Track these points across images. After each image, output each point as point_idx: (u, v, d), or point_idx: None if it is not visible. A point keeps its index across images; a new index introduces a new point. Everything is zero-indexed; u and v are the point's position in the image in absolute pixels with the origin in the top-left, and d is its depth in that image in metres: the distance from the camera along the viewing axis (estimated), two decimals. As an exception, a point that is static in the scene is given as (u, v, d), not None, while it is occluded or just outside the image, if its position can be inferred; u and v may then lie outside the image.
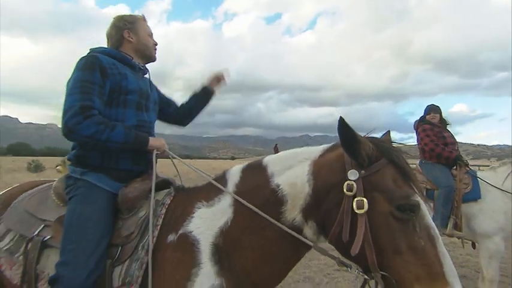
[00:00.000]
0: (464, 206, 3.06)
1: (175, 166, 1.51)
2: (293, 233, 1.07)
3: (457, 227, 3.07)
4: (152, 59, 1.59)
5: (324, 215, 1.05)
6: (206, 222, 1.14)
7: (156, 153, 1.34)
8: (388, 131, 1.24)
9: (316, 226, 1.08)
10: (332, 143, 1.17)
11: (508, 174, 3.00)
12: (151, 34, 1.58)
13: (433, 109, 3.67)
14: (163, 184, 1.35)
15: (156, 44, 1.59)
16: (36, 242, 1.23)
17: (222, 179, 1.25)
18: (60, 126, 1.26)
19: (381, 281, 0.95)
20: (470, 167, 3.33)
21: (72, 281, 1.07)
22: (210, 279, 1.06)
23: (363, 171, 0.99)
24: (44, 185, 1.49)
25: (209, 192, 1.21)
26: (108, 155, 1.31)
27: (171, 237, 1.14)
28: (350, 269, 1.06)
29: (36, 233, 1.26)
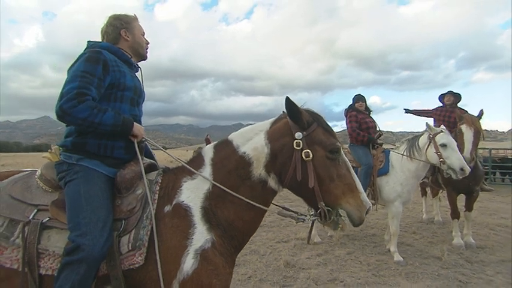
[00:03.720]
0: (378, 179, 3.88)
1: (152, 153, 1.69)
2: (253, 202, 1.38)
3: (374, 196, 3.85)
4: (144, 57, 1.73)
5: (280, 166, 1.40)
6: (194, 192, 1.40)
7: (136, 141, 1.48)
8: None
9: (276, 176, 1.43)
10: (274, 118, 1.53)
11: (405, 150, 3.83)
12: (144, 33, 1.70)
13: (359, 98, 4.46)
14: (151, 167, 1.58)
15: (147, 43, 1.71)
16: (35, 225, 1.31)
17: (199, 156, 1.53)
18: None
19: (325, 208, 1.33)
20: (385, 148, 4.17)
21: (92, 248, 1.21)
22: (204, 235, 1.31)
23: (304, 132, 1.38)
24: (21, 174, 1.55)
25: (189, 168, 1.46)
26: (104, 144, 1.45)
27: (167, 208, 1.37)
28: (298, 216, 1.47)
29: (31, 216, 1.34)
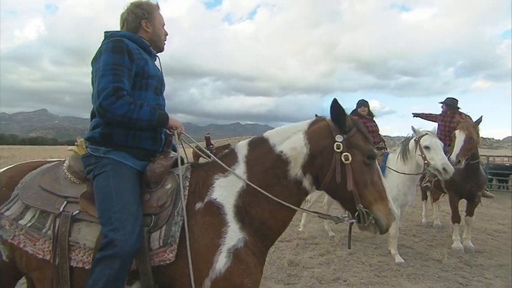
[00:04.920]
0: None
1: (183, 147, 1.63)
2: (282, 202, 1.35)
3: None
4: (161, 49, 1.67)
5: (318, 168, 1.40)
6: (226, 190, 1.38)
7: (177, 132, 1.48)
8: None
9: (312, 177, 1.42)
10: (311, 120, 1.50)
11: (398, 155, 3.93)
12: (164, 24, 1.65)
13: (362, 103, 4.59)
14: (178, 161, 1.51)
15: (166, 35, 1.67)
16: (66, 217, 1.32)
17: (231, 153, 1.50)
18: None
19: (364, 210, 1.33)
20: (385, 151, 4.29)
21: (125, 243, 1.20)
22: (237, 234, 1.30)
23: (344, 135, 1.39)
24: (49, 165, 1.54)
25: (222, 165, 1.44)
26: (132, 134, 1.42)
27: (199, 205, 1.35)
28: (338, 218, 1.43)
29: (61, 208, 1.34)
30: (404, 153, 3.84)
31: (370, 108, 4.61)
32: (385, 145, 4.48)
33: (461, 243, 4.26)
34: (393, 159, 3.97)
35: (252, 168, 1.43)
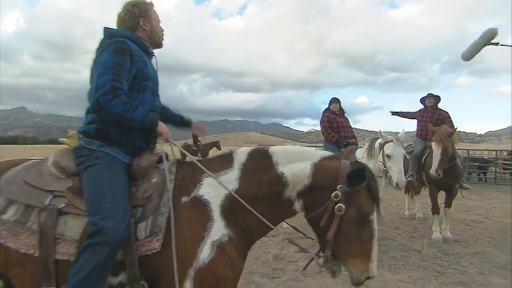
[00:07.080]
0: None
1: (172, 151, 1.63)
2: (264, 220, 1.38)
3: None
4: (160, 46, 1.69)
5: (311, 199, 1.40)
6: (214, 189, 1.40)
7: (161, 139, 1.51)
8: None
9: (303, 204, 1.43)
10: (326, 153, 1.49)
11: (365, 150, 4.10)
12: (160, 21, 1.67)
13: (334, 100, 4.87)
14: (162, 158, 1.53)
15: (163, 31, 1.68)
16: (52, 210, 1.32)
17: (227, 157, 1.51)
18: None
19: (330, 256, 1.34)
20: (354, 146, 4.54)
21: (115, 231, 1.23)
22: (222, 230, 1.34)
23: (348, 188, 1.33)
24: (31, 162, 1.54)
25: (215, 165, 1.48)
26: (126, 133, 1.46)
27: (184, 199, 1.38)
28: (302, 249, 1.51)
29: (47, 202, 1.35)
30: (370, 151, 4.01)
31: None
32: (356, 141, 4.68)
33: (441, 233, 4.42)
34: (360, 155, 4.16)
35: (245, 177, 1.45)
